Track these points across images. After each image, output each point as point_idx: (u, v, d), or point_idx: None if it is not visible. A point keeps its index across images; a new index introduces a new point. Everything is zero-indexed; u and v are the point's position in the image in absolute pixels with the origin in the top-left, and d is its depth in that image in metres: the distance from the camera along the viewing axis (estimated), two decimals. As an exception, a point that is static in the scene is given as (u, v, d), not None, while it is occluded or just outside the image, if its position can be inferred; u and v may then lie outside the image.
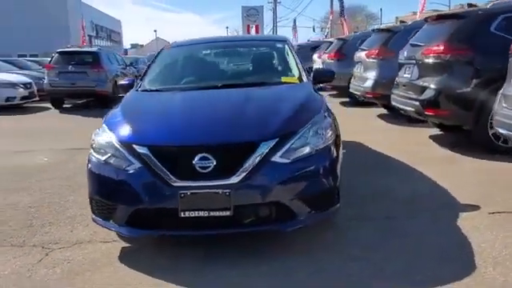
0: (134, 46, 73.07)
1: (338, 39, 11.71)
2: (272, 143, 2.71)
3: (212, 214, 2.65)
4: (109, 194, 2.86)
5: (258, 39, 4.79)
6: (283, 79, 3.81)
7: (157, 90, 3.76)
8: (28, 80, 12.51)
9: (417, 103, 5.53)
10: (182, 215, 2.65)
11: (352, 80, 8.98)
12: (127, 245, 3.15)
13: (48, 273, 2.80)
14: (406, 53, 6.08)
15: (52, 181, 4.91)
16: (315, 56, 12.94)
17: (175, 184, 2.65)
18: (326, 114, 3.09)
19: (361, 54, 8.53)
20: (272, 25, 49.70)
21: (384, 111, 8.73)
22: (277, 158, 2.70)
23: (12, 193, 4.56)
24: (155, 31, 61.89)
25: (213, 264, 2.79)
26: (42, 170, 5.40)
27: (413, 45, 5.97)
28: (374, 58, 7.88)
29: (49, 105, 12.49)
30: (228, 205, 2.63)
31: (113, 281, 2.67)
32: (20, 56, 25.93)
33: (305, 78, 3.82)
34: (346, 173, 4.69)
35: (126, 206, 2.78)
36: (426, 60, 5.45)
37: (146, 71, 4.12)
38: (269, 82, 3.79)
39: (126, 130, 2.92)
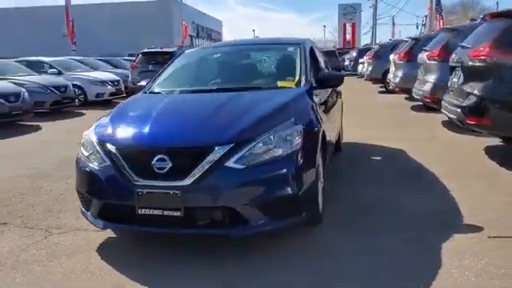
0: (234, 44, 75.66)
1: (412, 38, 11.00)
2: (226, 148, 2.75)
3: (165, 213, 2.77)
4: (87, 187, 3.13)
5: (272, 43, 4.78)
6: (279, 84, 3.78)
7: (158, 93, 3.97)
8: (116, 78, 13.75)
9: (459, 110, 5.07)
10: (139, 212, 2.81)
11: (415, 83, 8.41)
12: (113, 236, 3.40)
13: (34, 254, 3.15)
14: (454, 55, 5.59)
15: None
16: (391, 56, 12.31)
17: (135, 182, 2.82)
18: (297, 122, 3.01)
19: (423, 56, 7.96)
20: (372, 22, 48.23)
21: (451, 117, 8.07)
22: (231, 164, 2.73)
23: (56, 180, 5.13)
24: (253, 30, 63.45)
25: (180, 266, 2.89)
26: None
27: (462, 46, 5.47)
28: (434, 60, 7.31)
29: (134, 101, 13.60)
30: (179, 205, 2.73)
31: (79, 267, 2.92)
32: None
33: (303, 83, 3.75)
34: (362, 182, 4.54)
35: (97, 200, 3.03)
36: (471, 63, 4.97)
37: (159, 73, 4.36)
38: (263, 87, 3.80)
39: (104, 130, 3.17)
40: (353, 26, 48.52)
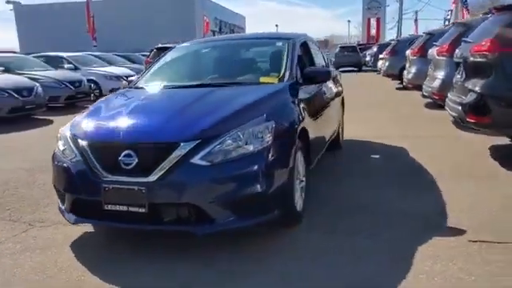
0: (258, 40, 75.45)
1: (427, 33, 10.65)
2: (192, 145, 2.70)
3: (130, 209, 2.75)
4: (60, 182, 3.13)
5: (262, 38, 4.70)
6: (261, 79, 3.70)
7: (141, 88, 3.95)
8: (132, 73, 13.86)
9: (459, 108, 4.88)
10: (106, 208, 2.80)
11: (426, 80, 8.16)
12: (91, 230, 3.41)
13: (10, 247, 3.19)
14: (458, 50, 5.38)
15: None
16: (407, 52, 11.98)
17: (102, 178, 2.81)
18: (269, 118, 2.93)
19: (433, 51, 7.71)
20: (398, 17, 47.14)
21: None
22: (196, 160, 2.69)
23: (53, 174, 5.19)
24: (276, 26, 63.14)
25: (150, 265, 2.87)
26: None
27: (466, 42, 5.25)
28: (443, 56, 7.06)
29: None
30: (143, 202, 2.70)
31: (48, 261, 2.94)
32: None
33: (286, 79, 3.66)
34: (356, 181, 4.42)
35: (69, 195, 3.03)
36: (473, 59, 4.76)
37: (148, 68, 4.35)
38: (245, 83, 3.73)
39: (78, 125, 3.17)
40: (377, 21, 47.59)
